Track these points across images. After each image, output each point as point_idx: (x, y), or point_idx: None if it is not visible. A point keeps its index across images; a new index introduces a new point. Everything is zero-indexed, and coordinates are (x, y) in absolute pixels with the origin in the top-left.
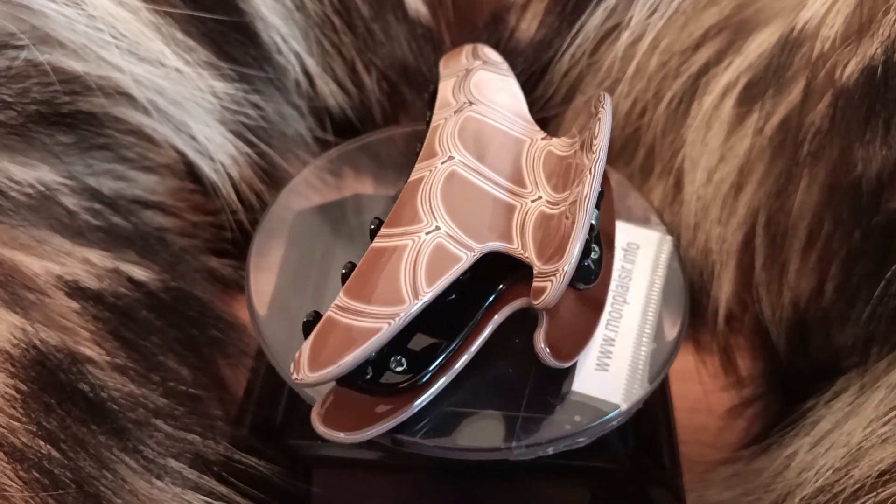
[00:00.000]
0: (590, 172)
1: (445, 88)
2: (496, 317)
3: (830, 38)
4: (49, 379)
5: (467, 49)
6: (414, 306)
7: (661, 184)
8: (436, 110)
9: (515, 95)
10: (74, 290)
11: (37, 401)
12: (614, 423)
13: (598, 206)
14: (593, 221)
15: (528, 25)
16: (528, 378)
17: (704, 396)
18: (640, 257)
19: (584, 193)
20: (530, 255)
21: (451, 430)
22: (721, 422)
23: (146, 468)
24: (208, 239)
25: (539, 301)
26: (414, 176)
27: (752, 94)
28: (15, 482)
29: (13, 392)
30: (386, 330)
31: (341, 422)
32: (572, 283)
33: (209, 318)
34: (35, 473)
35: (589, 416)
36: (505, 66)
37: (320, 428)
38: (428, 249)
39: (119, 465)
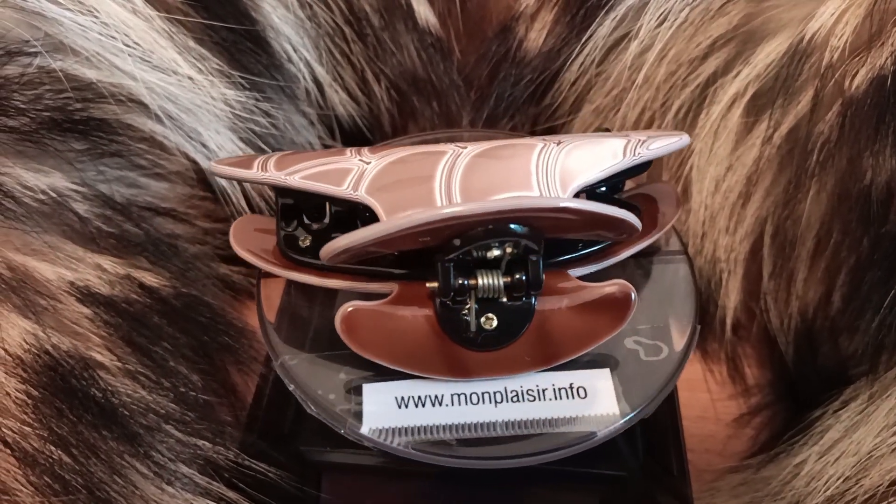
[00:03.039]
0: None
1: (595, 132)
2: (378, 285)
3: (840, 49)
4: (61, 384)
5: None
6: (273, 178)
7: None
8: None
9: (594, 166)
10: (86, 295)
11: (48, 406)
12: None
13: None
14: (498, 279)
15: (536, 35)
16: None
17: (712, 405)
18: (568, 406)
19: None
20: None
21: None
22: (729, 430)
23: (157, 474)
24: (218, 246)
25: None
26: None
27: (761, 103)
28: (26, 487)
29: (25, 397)
30: (249, 174)
31: (250, 241)
32: (444, 327)
33: (220, 324)
34: (46, 478)
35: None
36: (643, 155)
37: (231, 238)
38: (339, 165)
39: (130, 471)
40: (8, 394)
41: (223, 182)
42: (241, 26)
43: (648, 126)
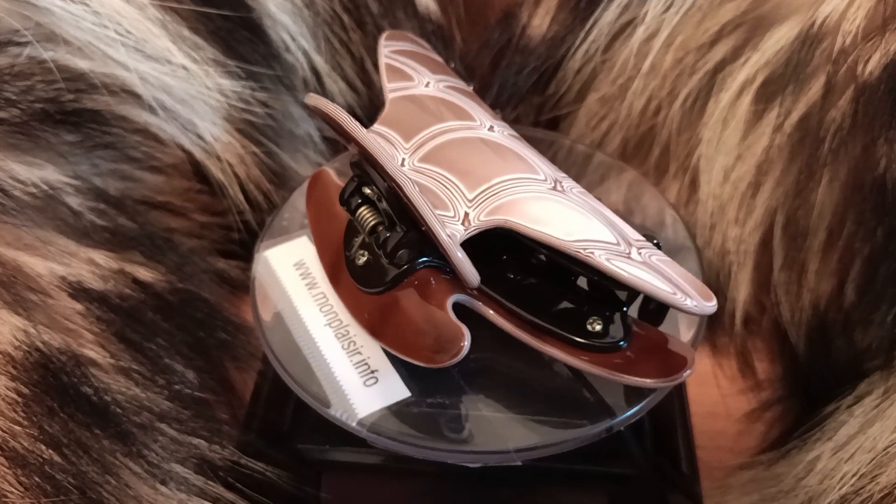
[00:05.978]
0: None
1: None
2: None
3: (852, 33)
4: (52, 382)
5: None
6: (380, 48)
7: (676, 183)
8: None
9: (537, 223)
10: (78, 291)
11: (39, 404)
12: None
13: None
14: (371, 219)
15: (540, 22)
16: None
17: (722, 400)
18: (349, 376)
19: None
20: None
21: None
22: (739, 426)
23: (151, 473)
24: (216, 240)
25: None
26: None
27: (771, 90)
28: (16, 488)
29: (15, 395)
30: (381, 41)
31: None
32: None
33: (217, 320)
34: (37, 479)
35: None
36: (592, 262)
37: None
38: (411, 72)
39: (123, 470)
40: None
41: (220, 175)
42: (236, 14)
43: (655, 114)
